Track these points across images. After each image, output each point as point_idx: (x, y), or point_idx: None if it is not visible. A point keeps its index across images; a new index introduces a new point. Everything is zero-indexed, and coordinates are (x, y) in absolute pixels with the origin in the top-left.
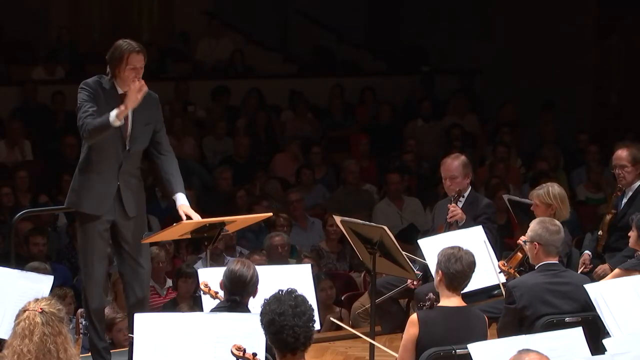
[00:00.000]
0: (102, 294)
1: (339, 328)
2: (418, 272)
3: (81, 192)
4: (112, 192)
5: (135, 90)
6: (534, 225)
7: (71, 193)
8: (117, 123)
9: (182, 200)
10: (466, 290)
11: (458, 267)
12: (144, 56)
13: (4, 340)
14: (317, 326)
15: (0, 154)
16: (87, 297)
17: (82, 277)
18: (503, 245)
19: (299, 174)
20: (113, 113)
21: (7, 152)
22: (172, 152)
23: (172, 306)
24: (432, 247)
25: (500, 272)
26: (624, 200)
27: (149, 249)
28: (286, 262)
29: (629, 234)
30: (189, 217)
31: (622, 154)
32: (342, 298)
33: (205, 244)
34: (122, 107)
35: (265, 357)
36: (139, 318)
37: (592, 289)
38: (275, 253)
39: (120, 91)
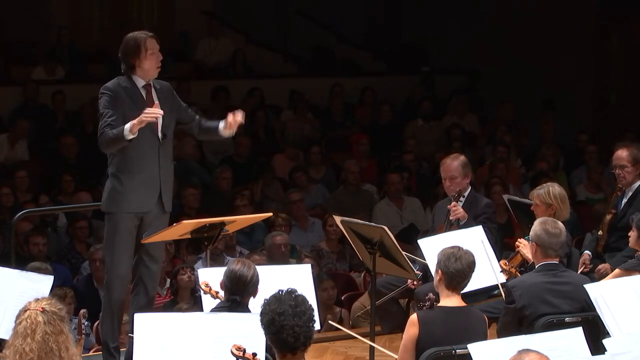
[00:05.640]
0: (125, 289)
1: (339, 328)
2: (418, 272)
3: (125, 192)
4: (157, 186)
5: (151, 112)
6: (536, 224)
7: (111, 195)
8: (130, 136)
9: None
10: (466, 290)
11: (458, 266)
12: (157, 41)
13: (4, 340)
14: (317, 326)
15: (1, 153)
16: (109, 289)
17: (106, 272)
18: (503, 245)
19: (291, 176)
20: (127, 127)
21: (8, 152)
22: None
23: (172, 306)
24: (432, 247)
25: (501, 272)
26: (624, 200)
27: (163, 249)
28: (287, 262)
29: (629, 234)
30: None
31: (622, 154)
32: (342, 298)
33: (205, 244)
34: (135, 121)
35: (265, 357)
36: (139, 318)
37: (592, 289)
38: (277, 252)
39: (140, 84)
